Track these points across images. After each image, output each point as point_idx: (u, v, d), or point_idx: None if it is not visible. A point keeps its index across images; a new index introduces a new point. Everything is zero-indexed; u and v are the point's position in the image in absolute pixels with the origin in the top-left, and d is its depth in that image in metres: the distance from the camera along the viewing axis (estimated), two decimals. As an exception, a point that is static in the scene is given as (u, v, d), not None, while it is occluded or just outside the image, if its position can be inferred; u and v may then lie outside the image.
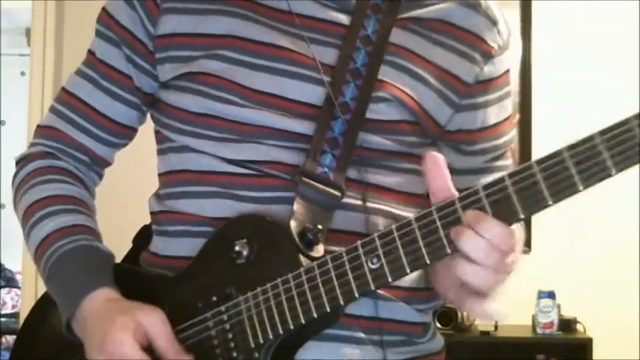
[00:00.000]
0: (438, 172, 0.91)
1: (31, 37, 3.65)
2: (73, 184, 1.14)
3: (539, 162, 0.85)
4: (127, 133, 1.18)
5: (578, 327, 3.30)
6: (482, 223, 0.86)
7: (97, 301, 1.01)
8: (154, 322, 0.97)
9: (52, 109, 1.18)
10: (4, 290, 5.58)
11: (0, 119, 5.71)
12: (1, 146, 5.43)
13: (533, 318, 3.26)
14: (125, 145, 1.20)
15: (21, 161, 1.18)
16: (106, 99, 1.14)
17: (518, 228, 1.08)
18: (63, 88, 1.19)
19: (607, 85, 3.39)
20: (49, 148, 1.16)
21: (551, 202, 0.84)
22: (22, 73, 5.62)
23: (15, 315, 5.14)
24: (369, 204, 1.05)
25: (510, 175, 0.86)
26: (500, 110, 1.15)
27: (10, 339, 4.96)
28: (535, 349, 3.27)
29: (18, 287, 5.30)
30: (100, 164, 1.18)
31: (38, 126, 1.20)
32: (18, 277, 5.34)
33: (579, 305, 3.31)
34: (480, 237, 0.86)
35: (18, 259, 3.85)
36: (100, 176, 1.21)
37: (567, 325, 3.26)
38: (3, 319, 5.21)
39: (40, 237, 1.08)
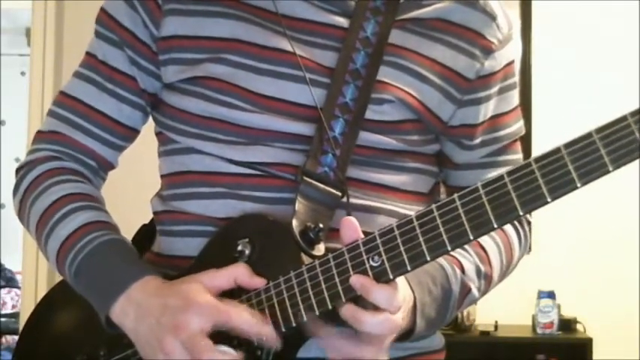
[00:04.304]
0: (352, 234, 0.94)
1: (31, 37, 3.65)
2: (86, 183, 1.12)
3: (538, 160, 0.86)
4: (132, 135, 1.17)
5: (578, 327, 3.30)
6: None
7: (150, 285, 0.99)
8: (210, 274, 0.97)
9: (53, 114, 1.15)
10: (4, 290, 5.58)
11: (0, 119, 5.71)
12: (1, 146, 5.43)
13: (533, 318, 3.27)
14: (127, 147, 1.19)
15: (23, 167, 1.14)
16: (111, 101, 1.12)
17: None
18: (63, 92, 1.16)
19: (607, 84, 3.39)
20: (54, 152, 1.14)
21: (549, 200, 0.85)
22: (22, 73, 5.63)
23: (15, 315, 5.14)
24: (372, 203, 1.06)
25: (509, 173, 0.87)
26: (501, 102, 1.15)
27: (10, 339, 4.96)
28: (535, 349, 3.27)
29: (18, 287, 5.31)
30: (105, 168, 1.17)
31: (39, 132, 1.17)
32: (18, 277, 5.34)
33: (579, 305, 3.31)
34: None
35: (18, 259, 3.85)
36: (104, 180, 1.19)
37: (567, 325, 3.26)
38: (3, 319, 5.21)
39: (66, 232, 1.05)
